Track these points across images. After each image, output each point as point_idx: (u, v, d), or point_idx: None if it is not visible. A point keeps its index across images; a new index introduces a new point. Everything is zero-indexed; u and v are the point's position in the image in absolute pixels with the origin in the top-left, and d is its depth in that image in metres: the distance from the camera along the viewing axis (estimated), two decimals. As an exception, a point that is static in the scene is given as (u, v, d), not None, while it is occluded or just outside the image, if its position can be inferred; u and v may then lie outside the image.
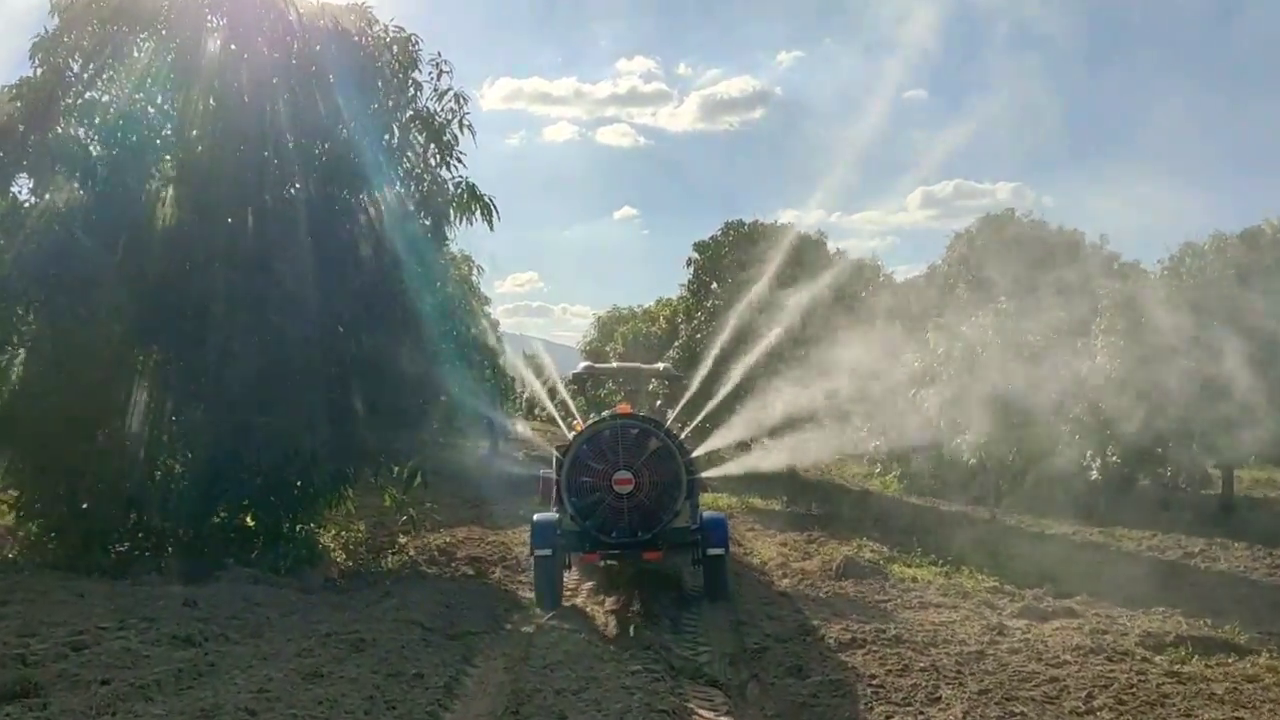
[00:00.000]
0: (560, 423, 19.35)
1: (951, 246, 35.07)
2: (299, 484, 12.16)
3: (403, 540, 15.48)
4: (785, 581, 13.13)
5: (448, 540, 14.96)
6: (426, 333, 12.53)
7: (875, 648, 8.46)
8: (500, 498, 22.02)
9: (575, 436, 11.76)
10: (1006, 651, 8.32)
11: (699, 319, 26.21)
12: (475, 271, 13.56)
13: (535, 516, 11.84)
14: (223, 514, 12.31)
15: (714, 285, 26.43)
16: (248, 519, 12.54)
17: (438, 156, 12.75)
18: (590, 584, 12.67)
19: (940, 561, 14.73)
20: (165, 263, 11.64)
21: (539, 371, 21.40)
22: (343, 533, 15.15)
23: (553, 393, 24.32)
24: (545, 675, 7.40)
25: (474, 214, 12.94)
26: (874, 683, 7.26)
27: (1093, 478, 21.09)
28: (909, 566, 14.44)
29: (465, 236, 13.68)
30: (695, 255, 27.37)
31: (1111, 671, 7.68)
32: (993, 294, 26.54)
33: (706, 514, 12.03)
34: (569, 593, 11.95)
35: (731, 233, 26.50)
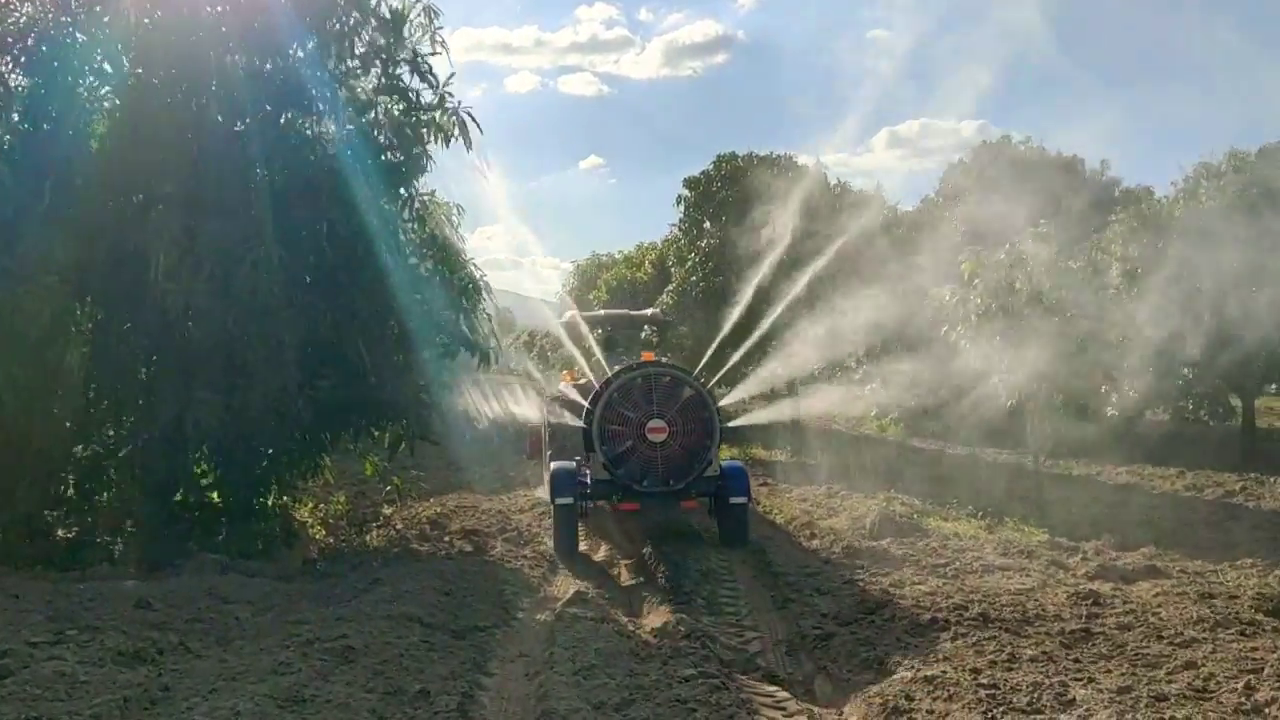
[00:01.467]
0: (535, 375, 17.97)
1: (946, 178, 33.74)
2: (269, 454, 10.70)
3: (388, 512, 14.09)
4: (816, 543, 11.85)
5: (438, 510, 13.55)
6: (406, 280, 11.00)
7: (961, 629, 7.14)
8: (489, 458, 20.70)
9: (605, 383, 11.40)
10: (1116, 628, 7.04)
11: (693, 260, 24.70)
12: (455, 212, 11.79)
13: (553, 464, 11.90)
14: (184, 493, 10.82)
15: (707, 224, 24.85)
16: (214, 496, 11.06)
17: (408, 69, 11.11)
18: (604, 552, 11.35)
19: (978, 513, 13.52)
20: (100, 206, 10.05)
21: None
22: (321, 506, 13.71)
23: (529, 345, 22.71)
24: (579, 685, 6.03)
25: (453, 136, 11.32)
26: (981, 680, 5.93)
27: (1110, 414, 20.06)
28: (946, 520, 13.22)
29: (439, 179, 12.14)
30: (685, 192, 25.71)
31: (1254, 650, 6.42)
32: (1010, 222, 25.32)
33: (725, 462, 11.67)
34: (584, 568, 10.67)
35: (724, 166, 24.83)
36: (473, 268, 12.17)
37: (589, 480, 11.45)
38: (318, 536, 12.74)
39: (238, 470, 10.70)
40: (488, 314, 11.82)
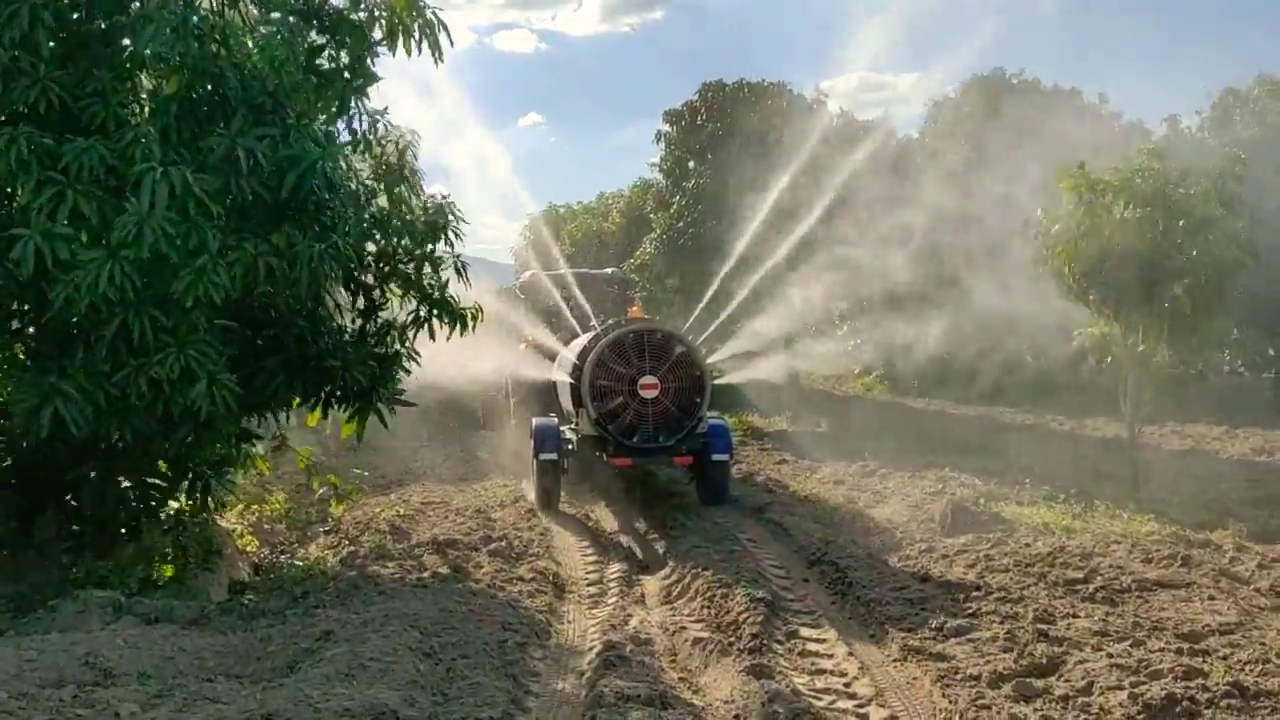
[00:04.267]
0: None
1: (933, 115, 31.36)
2: (171, 451, 8.03)
3: (337, 513, 11.46)
4: (874, 540, 9.49)
5: (400, 511, 10.92)
6: (352, 223, 8.33)
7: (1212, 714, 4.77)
8: (456, 436, 18.10)
9: (595, 339, 11.43)
10: None
11: (679, 204, 21.99)
12: (412, 139, 9.04)
13: (535, 421, 11.99)
14: (54, 509, 8.11)
15: (692, 163, 22.10)
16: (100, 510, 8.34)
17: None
18: (619, 568, 8.86)
19: (1058, 495, 11.23)
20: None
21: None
22: (255, 508, 11.05)
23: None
24: None
25: (415, 40, 8.62)
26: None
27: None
28: (1021, 505, 10.91)
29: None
30: (666, 128, 22.86)
31: None
32: (1019, 159, 23.12)
33: (709, 420, 11.50)
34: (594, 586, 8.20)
35: (710, 95, 22.03)
36: (444, 205, 9.40)
37: (573, 437, 11.75)
38: (249, 549, 10.12)
39: (127, 476, 8.03)
40: (463, 265, 9.15)
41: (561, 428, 11.98)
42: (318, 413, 9.21)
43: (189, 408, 7.30)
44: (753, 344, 18.89)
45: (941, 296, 24.46)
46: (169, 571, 8.55)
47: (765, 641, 6.50)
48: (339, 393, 8.36)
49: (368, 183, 9.22)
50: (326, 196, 7.74)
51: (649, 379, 11.03)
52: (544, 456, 11.40)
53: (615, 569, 8.91)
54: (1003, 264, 22.55)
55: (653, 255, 22.23)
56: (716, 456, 11.27)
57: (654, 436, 11.02)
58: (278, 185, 7.52)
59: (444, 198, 9.22)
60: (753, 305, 18.07)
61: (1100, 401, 19.15)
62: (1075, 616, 6.58)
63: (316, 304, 8.26)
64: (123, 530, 8.34)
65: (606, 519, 11.45)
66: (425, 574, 8.16)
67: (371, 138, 9.25)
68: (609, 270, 19.02)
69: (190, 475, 8.28)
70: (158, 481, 8.16)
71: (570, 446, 11.71)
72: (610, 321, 12.12)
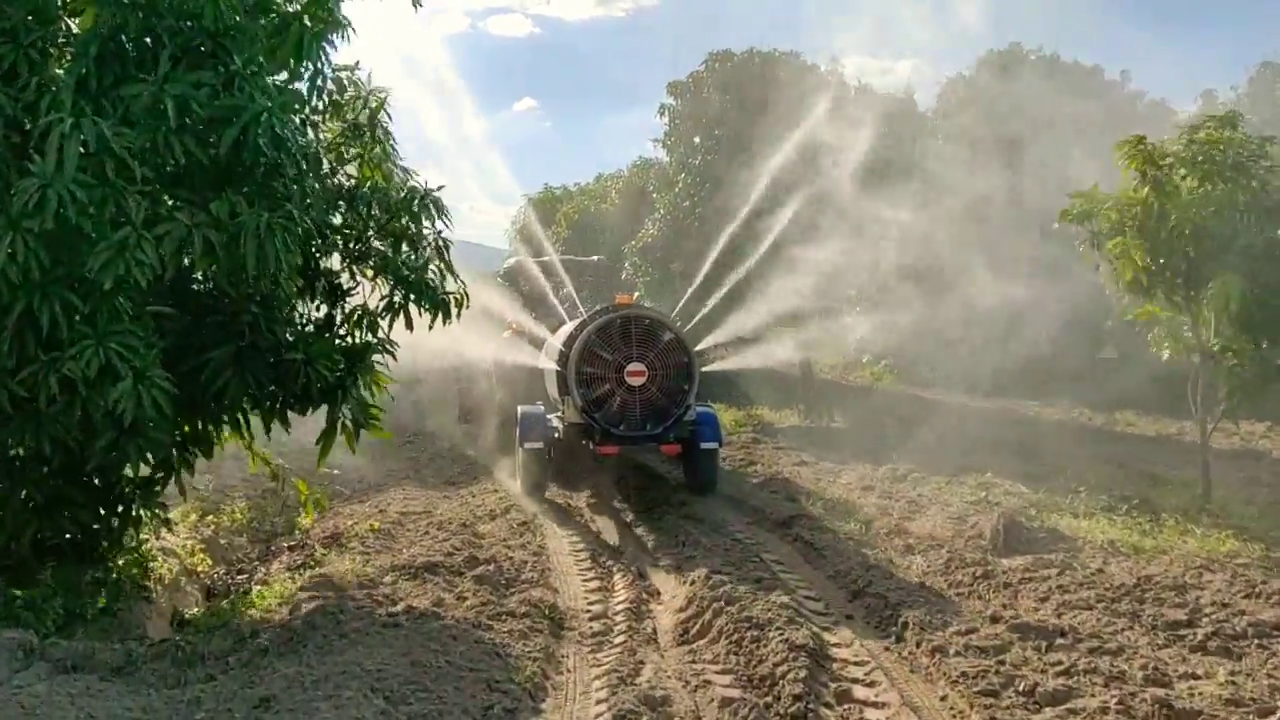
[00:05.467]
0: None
1: (946, 94, 30.08)
2: (99, 471, 6.75)
3: (305, 524, 10.20)
4: (918, 561, 8.24)
5: (376, 523, 9.65)
6: (313, 193, 7.05)
7: None
8: (437, 430, 16.86)
9: (581, 325, 11.24)
10: None
11: (684, 182, 20.59)
12: (385, 100, 7.69)
13: (521, 409, 11.83)
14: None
15: (697, 139, 20.69)
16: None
17: None
18: (625, 596, 7.60)
19: (1116, 504, 10.00)
20: None
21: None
22: (210, 519, 9.77)
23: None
24: None
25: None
26: None
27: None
28: (1077, 517, 9.68)
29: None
30: (670, 100, 21.41)
31: None
32: (1040, 136, 21.95)
33: (697, 408, 11.31)
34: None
35: (717, 65, 20.59)
36: (414, 178, 8.08)
37: (560, 425, 11.50)
38: (201, 569, 8.84)
39: (33, 492, 6.75)
40: (444, 245, 7.84)
41: (549, 416, 11.76)
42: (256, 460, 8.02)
43: (110, 411, 6.05)
44: (759, 330, 17.72)
45: (954, 280, 23.29)
46: (102, 601, 7.30)
47: (811, 705, 5.25)
48: (299, 392, 7.08)
49: (336, 146, 7.98)
50: (279, 158, 6.41)
51: (636, 366, 10.87)
52: (529, 445, 11.26)
53: (621, 597, 7.65)
54: (1020, 246, 21.41)
55: (656, 236, 20.89)
56: (705, 445, 11.08)
57: (641, 424, 10.87)
58: (217, 144, 6.23)
59: (426, 184, 7.92)
60: (759, 288, 16.89)
61: (1126, 395, 18.03)
62: (1195, 677, 5.34)
63: (275, 286, 6.95)
64: (39, 557, 7.06)
65: (608, 531, 10.20)
66: (398, 608, 6.87)
67: (339, 97, 8.02)
68: (595, 258, 18.81)
69: (110, 494, 6.99)
70: (77, 499, 6.83)
71: (557, 435, 11.51)
72: (598, 308, 11.77)
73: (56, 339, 5.92)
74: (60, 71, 6.07)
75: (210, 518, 9.90)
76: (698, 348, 15.94)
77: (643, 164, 27.74)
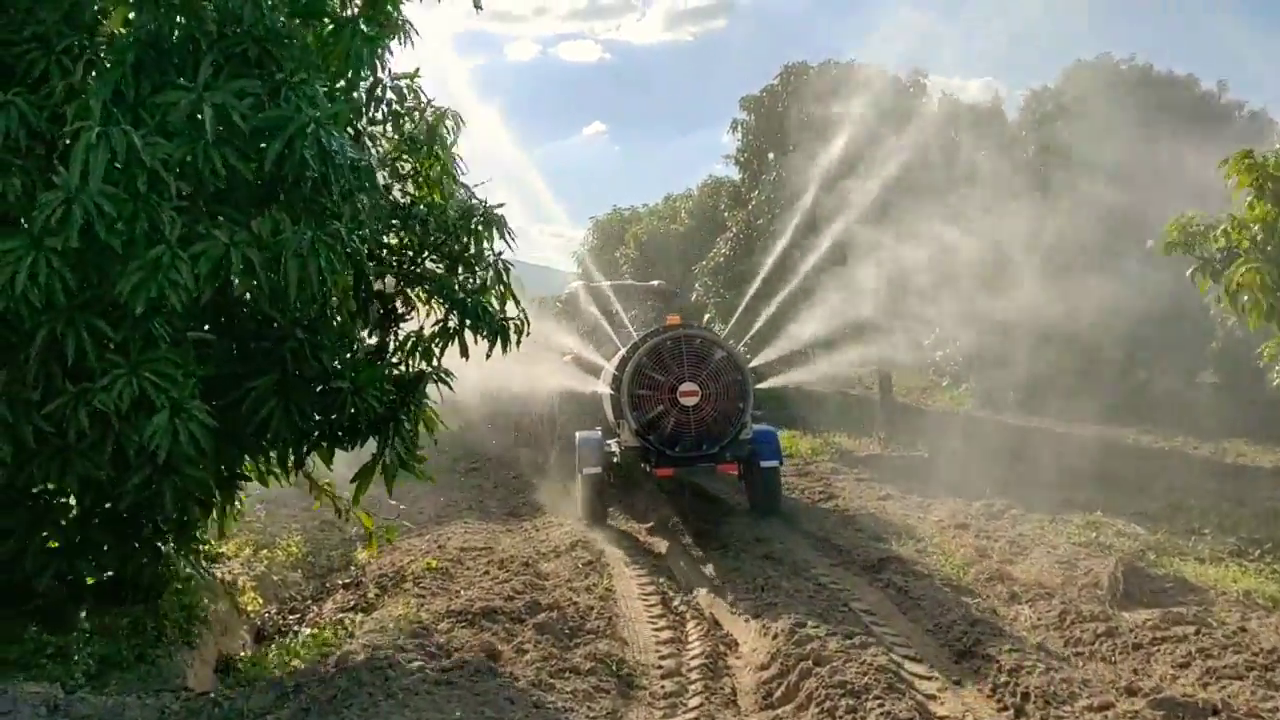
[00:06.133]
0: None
1: (1028, 109, 28.97)
2: (133, 511, 6.29)
3: (362, 559, 9.71)
4: (1026, 612, 7.40)
5: (434, 560, 9.09)
6: (365, 210, 6.52)
7: None
8: (503, 456, 16.36)
9: (633, 348, 11.21)
10: None
11: (756, 200, 19.90)
12: (449, 121, 7.11)
13: (578, 434, 11.77)
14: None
15: (771, 155, 20.00)
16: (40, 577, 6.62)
17: None
18: (700, 649, 6.89)
19: (1246, 548, 9.04)
20: None
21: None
22: (263, 554, 9.32)
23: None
24: None
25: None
26: None
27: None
28: (1202, 561, 8.73)
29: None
30: (743, 115, 20.78)
31: None
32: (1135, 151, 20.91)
33: (755, 427, 11.23)
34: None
35: (792, 78, 19.87)
36: (475, 197, 7.52)
37: (617, 449, 11.43)
38: (251, 608, 8.35)
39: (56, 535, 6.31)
40: (504, 268, 7.25)
41: (607, 441, 11.73)
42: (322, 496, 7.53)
43: (144, 447, 5.56)
44: (834, 351, 17.00)
45: (1040, 300, 22.21)
46: (140, 647, 6.82)
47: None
48: (347, 423, 6.54)
49: (391, 161, 7.48)
50: (326, 172, 5.89)
51: (689, 386, 10.82)
52: (588, 471, 11.27)
53: (696, 650, 6.95)
54: (1110, 266, 20.32)
55: (728, 256, 20.22)
56: (765, 463, 11.04)
57: (697, 444, 10.82)
58: (261, 157, 5.73)
59: (486, 201, 7.35)
60: (836, 310, 16.15)
61: (1233, 422, 16.88)
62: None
63: (323, 309, 6.43)
64: (74, 598, 6.62)
65: (680, 569, 9.50)
66: (451, 661, 6.26)
67: (398, 108, 7.53)
68: (654, 283, 18.85)
69: (141, 534, 6.52)
70: (104, 541, 6.37)
71: (615, 459, 11.46)
72: (649, 330, 11.82)
73: (85, 368, 5.47)
74: (92, 80, 5.61)
75: (264, 552, 9.45)
76: (758, 365, 15.39)
77: (714, 183, 27.13)
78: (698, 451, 10.82)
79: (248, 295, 6.02)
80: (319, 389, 6.40)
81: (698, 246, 23.67)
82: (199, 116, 5.49)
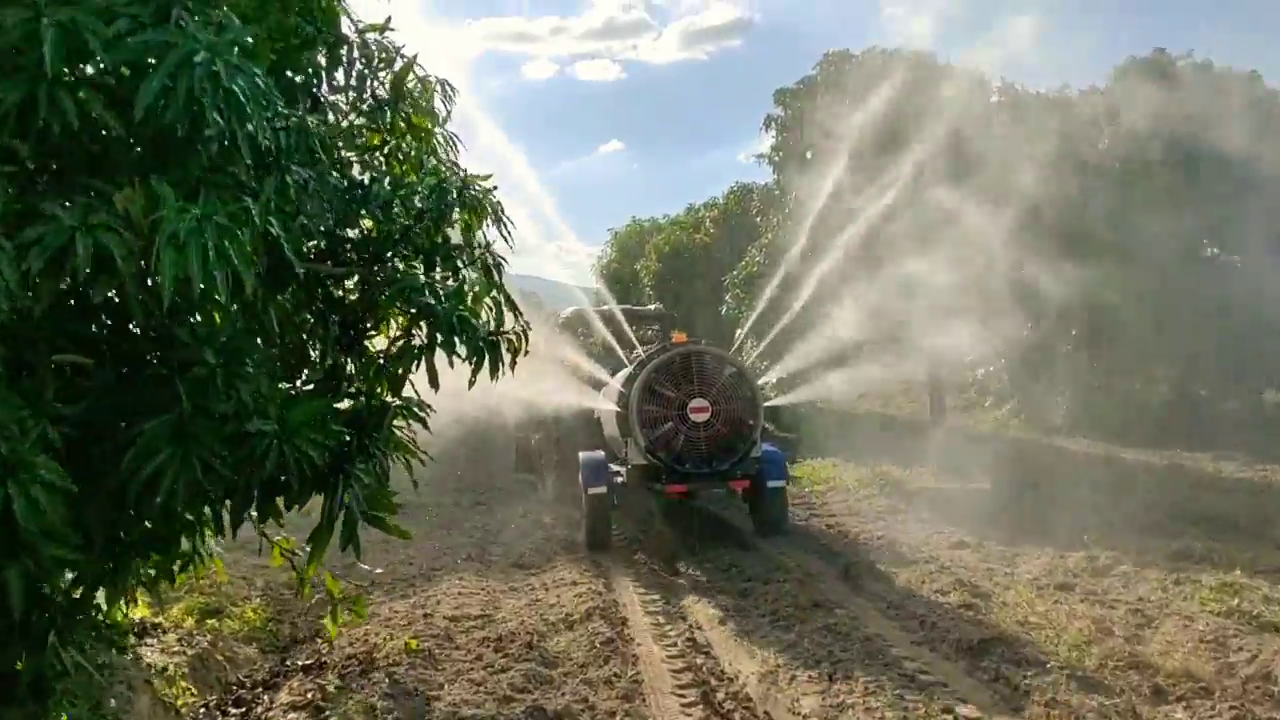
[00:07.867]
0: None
1: (1084, 104, 27.20)
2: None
3: (331, 633, 7.92)
4: (1184, 718, 5.57)
5: (417, 638, 7.32)
6: (308, 191, 4.81)
7: None
8: (511, 487, 14.68)
9: (640, 364, 11.16)
10: None
11: (790, 204, 18.12)
12: (441, 92, 5.29)
13: (582, 455, 11.60)
14: None
15: (809, 154, 18.18)
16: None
17: None
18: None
19: None
20: None
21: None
22: (209, 623, 7.58)
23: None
24: None
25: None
26: None
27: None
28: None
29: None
30: (779, 111, 18.98)
31: None
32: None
33: (764, 447, 11.13)
34: None
35: (833, 68, 18.04)
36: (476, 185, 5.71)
37: (622, 470, 11.29)
38: (182, 701, 6.59)
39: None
40: (491, 259, 5.47)
41: (610, 463, 11.56)
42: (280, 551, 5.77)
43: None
44: (877, 369, 15.35)
45: (1091, 314, 20.45)
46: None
47: None
48: (269, 479, 4.77)
49: (348, 133, 5.75)
50: (234, 129, 4.14)
51: (699, 402, 10.75)
52: (593, 490, 11.05)
53: None
54: (1167, 273, 18.56)
55: (762, 265, 18.41)
56: (773, 483, 11.08)
57: (707, 461, 10.75)
58: (133, 104, 4.01)
59: (466, 172, 5.62)
60: (882, 322, 14.48)
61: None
62: None
63: (247, 322, 4.70)
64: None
65: (723, 648, 7.63)
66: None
67: (363, 68, 5.80)
68: (653, 306, 18.88)
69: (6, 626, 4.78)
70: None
71: (620, 479, 11.29)
72: (656, 347, 11.78)
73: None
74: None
75: (212, 621, 7.72)
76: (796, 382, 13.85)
77: (740, 189, 25.39)
78: (708, 468, 10.71)
79: (117, 300, 4.27)
80: (232, 432, 4.62)
81: (726, 257, 21.92)
82: (38, 41, 3.78)
